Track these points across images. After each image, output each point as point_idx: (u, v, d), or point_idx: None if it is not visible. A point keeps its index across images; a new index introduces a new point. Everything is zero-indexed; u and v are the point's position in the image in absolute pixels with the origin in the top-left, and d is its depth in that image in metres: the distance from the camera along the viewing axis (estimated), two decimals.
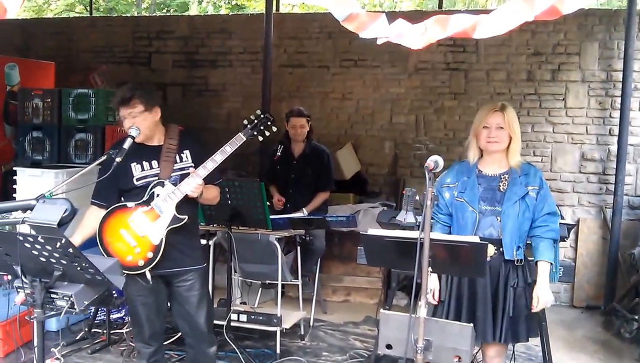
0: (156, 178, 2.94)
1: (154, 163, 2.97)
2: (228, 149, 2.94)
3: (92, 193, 3.04)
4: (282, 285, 5.12)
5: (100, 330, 4.37)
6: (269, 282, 4.61)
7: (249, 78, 6.45)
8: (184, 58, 6.74)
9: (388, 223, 4.13)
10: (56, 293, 2.21)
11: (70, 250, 2.11)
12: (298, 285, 4.52)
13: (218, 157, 2.91)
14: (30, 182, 4.49)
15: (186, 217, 2.93)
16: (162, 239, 2.89)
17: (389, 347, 2.27)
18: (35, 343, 2.32)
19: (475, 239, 2.46)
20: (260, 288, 4.95)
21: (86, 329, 4.35)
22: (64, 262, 2.11)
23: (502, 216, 2.76)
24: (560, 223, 4.96)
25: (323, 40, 6.26)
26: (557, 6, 2.11)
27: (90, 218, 2.99)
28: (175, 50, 6.77)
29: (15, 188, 4.54)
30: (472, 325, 2.31)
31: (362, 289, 5.38)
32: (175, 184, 2.94)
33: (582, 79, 5.58)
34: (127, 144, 2.81)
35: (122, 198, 2.98)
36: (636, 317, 4.57)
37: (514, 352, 3.84)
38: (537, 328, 2.96)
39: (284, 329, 4.13)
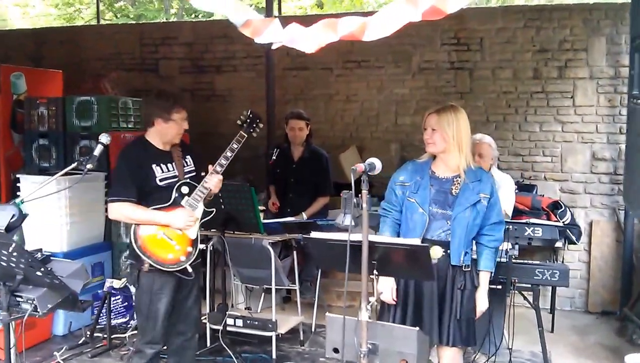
0: (176, 179, 3.14)
1: (170, 166, 3.16)
2: (235, 146, 3.21)
3: (113, 193, 3.11)
4: (288, 291, 5.12)
5: (101, 335, 4.40)
6: (268, 287, 4.58)
7: (254, 82, 6.45)
8: (190, 64, 6.79)
9: (376, 226, 4.07)
10: (21, 297, 2.24)
11: (25, 255, 2.13)
12: (299, 289, 4.47)
13: (229, 153, 3.19)
14: (33, 188, 4.56)
15: (214, 209, 3.22)
16: (197, 233, 3.13)
17: (335, 350, 2.22)
18: (3, 345, 2.35)
19: (417, 242, 2.42)
20: (263, 293, 4.92)
21: (88, 334, 4.39)
22: (22, 266, 2.13)
23: (453, 221, 2.73)
24: (568, 226, 4.87)
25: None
26: (439, 6, 2.09)
27: (135, 206, 3.03)
28: (181, 56, 6.82)
29: (19, 196, 4.61)
30: (417, 328, 2.27)
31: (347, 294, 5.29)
32: None
33: (590, 75, 5.42)
34: (97, 151, 2.89)
35: (143, 201, 3.06)
36: None
37: (511, 356, 3.78)
38: (476, 336, 2.88)
39: (279, 334, 4.09)
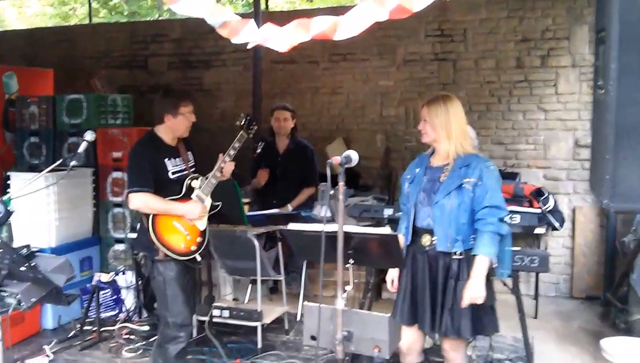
0: (185, 172, 3.35)
1: (178, 160, 3.37)
2: (237, 145, 3.45)
3: (134, 184, 3.23)
4: (275, 282, 5.20)
5: (91, 328, 4.49)
6: (255, 278, 4.65)
7: (241, 76, 6.51)
8: (178, 60, 6.86)
9: (359, 217, 4.15)
10: (5, 291, 2.31)
11: (8, 250, 2.20)
12: (284, 280, 4.55)
13: (232, 152, 3.44)
14: (23, 186, 4.64)
15: (220, 202, 3.41)
16: (206, 225, 3.35)
17: (313, 338, 2.30)
18: None
19: (386, 230, 2.49)
20: (250, 285, 5.00)
21: (78, 327, 4.48)
22: (6, 261, 2.20)
23: (434, 206, 2.76)
24: (551, 212, 4.91)
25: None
26: (405, 5, 2.15)
27: (155, 197, 3.20)
28: (170, 52, 6.89)
29: (8, 193, 4.69)
30: (389, 315, 2.33)
31: (354, 284, 5.37)
32: None
33: (573, 63, 5.46)
34: (82, 148, 2.97)
35: (156, 192, 3.23)
36: (627, 307, 4.47)
37: (491, 341, 3.85)
38: (492, 326, 2.84)
39: (264, 324, 4.17)
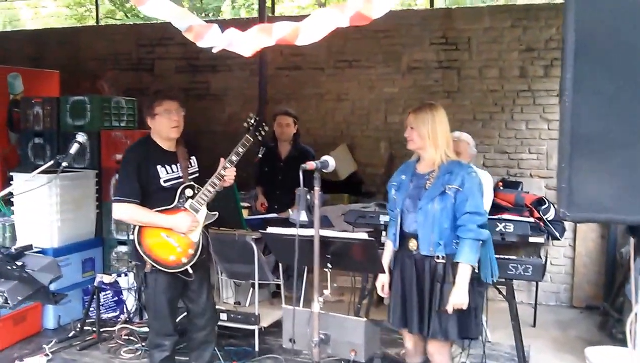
0: (180, 180, 3.16)
1: (174, 167, 3.18)
2: (241, 150, 3.27)
3: (119, 193, 3.09)
4: (277, 286, 5.21)
5: (91, 328, 4.52)
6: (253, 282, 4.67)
7: (247, 81, 6.55)
8: (185, 63, 6.90)
9: (355, 223, 4.16)
10: None
11: None
12: (289, 284, 4.56)
13: (234, 158, 3.25)
14: (25, 186, 4.69)
15: (217, 213, 3.23)
16: (200, 236, 3.17)
17: (292, 341, 2.32)
18: None
19: (363, 236, 2.52)
20: (251, 289, 5.01)
21: (78, 327, 4.51)
22: None
23: (418, 212, 2.83)
24: (551, 222, 4.90)
25: (317, 41, 6.30)
26: (364, 12, 2.18)
27: (140, 208, 3.06)
28: (177, 56, 6.93)
29: (12, 193, 4.74)
30: (365, 319, 2.38)
31: (356, 289, 5.39)
32: None
33: None
34: (73, 149, 2.97)
35: (146, 201, 3.09)
36: (623, 317, 4.46)
37: (484, 348, 3.85)
38: (477, 330, 2.92)
39: (262, 328, 4.19)
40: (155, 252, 3.08)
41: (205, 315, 3.37)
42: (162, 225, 3.08)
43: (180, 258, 3.12)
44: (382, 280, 3.00)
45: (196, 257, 3.15)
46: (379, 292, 3.05)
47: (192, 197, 3.18)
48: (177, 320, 3.45)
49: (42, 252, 4.37)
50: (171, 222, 3.09)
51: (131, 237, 3.15)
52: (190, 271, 3.14)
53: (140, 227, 3.07)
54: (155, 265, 3.08)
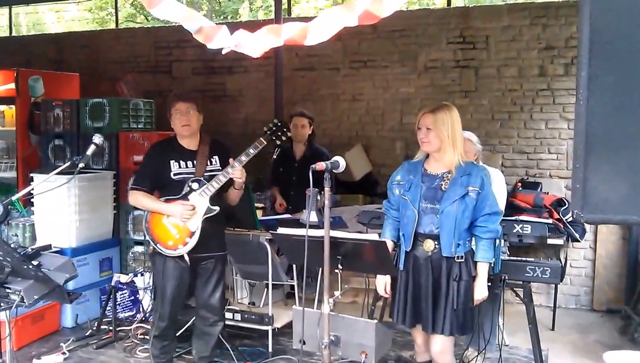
0: (192, 175, 3.40)
1: (189, 163, 3.43)
2: (252, 151, 3.37)
3: (132, 182, 3.51)
4: (292, 286, 5.20)
5: (107, 327, 4.57)
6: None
7: (263, 82, 6.57)
8: (202, 65, 6.95)
9: (368, 224, 4.13)
10: (9, 288, 2.37)
11: (9, 249, 2.26)
12: (301, 285, 4.55)
13: (243, 158, 3.35)
14: (44, 186, 4.77)
15: (218, 207, 3.39)
16: (198, 227, 3.35)
17: (302, 342, 2.30)
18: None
19: (374, 237, 2.50)
20: (266, 289, 5.02)
21: (95, 326, 4.56)
22: (9, 259, 2.25)
23: (440, 215, 2.81)
24: (571, 224, 4.82)
25: (332, 42, 6.18)
26: (373, 11, 2.17)
27: (145, 195, 3.41)
28: (194, 58, 6.98)
29: (32, 193, 4.82)
30: (376, 321, 2.35)
31: (371, 291, 5.35)
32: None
33: None
34: (90, 151, 3.03)
35: (161, 191, 3.43)
36: None
37: (501, 352, 3.79)
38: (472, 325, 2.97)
39: (276, 329, 4.19)
40: (157, 235, 3.40)
41: (207, 307, 3.53)
42: (161, 211, 3.39)
43: (177, 244, 3.36)
44: (384, 279, 2.99)
45: (192, 245, 3.35)
46: (380, 292, 3.02)
47: (197, 190, 3.39)
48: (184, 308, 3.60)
49: (61, 251, 4.43)
50: (167, 209, 3.37)
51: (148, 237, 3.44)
52: (187, 258, 3.36)
53: (148, 211, 3.42)
54: (155, 247, 3.38)
